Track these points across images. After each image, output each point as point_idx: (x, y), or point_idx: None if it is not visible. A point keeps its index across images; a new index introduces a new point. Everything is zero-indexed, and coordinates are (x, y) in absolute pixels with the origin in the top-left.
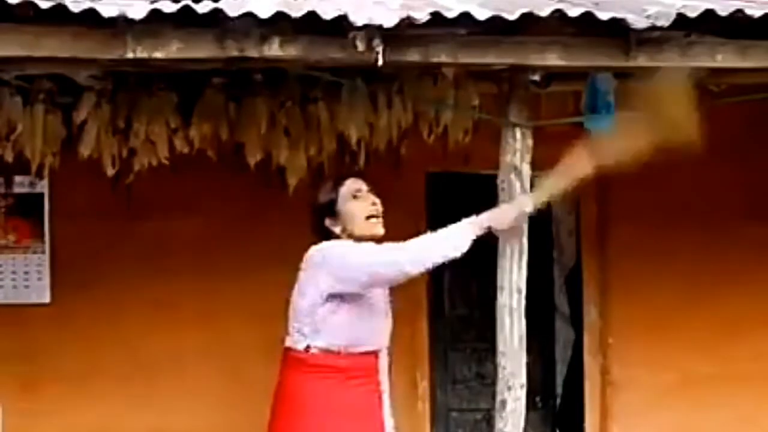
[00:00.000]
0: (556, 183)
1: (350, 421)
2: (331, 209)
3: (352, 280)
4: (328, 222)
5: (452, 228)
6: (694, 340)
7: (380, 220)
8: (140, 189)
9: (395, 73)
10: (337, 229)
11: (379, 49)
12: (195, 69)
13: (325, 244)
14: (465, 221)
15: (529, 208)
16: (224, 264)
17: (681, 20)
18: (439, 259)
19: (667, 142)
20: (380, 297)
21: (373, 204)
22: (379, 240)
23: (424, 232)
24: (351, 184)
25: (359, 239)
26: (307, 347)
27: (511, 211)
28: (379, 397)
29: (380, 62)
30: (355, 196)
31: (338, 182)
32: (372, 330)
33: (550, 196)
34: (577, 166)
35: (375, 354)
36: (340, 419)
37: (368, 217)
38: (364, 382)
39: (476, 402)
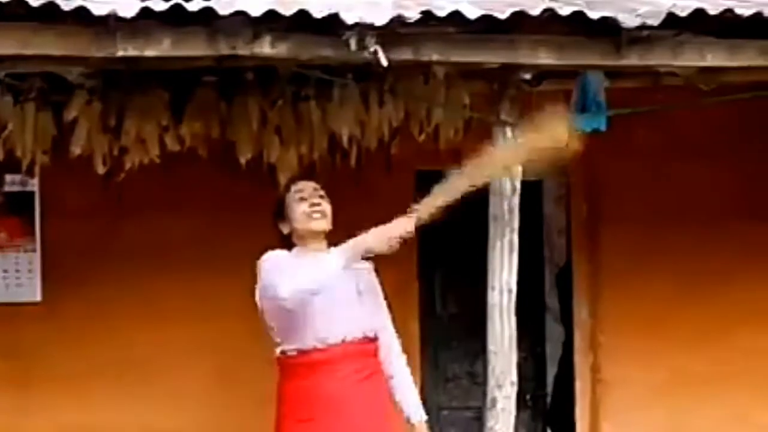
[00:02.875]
0: (457, 186)
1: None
2: (280, 212)
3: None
4: (279, 224)
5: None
6: (685, 338)
7: (322, 216)
8: (131, 187)
9: (386, 72)
10: (285, 230)
11: (375, 48)
12: (186, 67)
13: (264, 256)
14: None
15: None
16: (215, 262)
17: (671, 19)
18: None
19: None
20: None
21: (312, 205)
22: (326, 236)
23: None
24: (298, 187)
25: (302, 236)
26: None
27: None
28: (353, 385)
29: (384, 62)
30: (298, 199)
31: (287, 186)
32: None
33: (443, 202)
34: (484, 168)
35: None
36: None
37: (308, 215)
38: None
39: (467, 400)
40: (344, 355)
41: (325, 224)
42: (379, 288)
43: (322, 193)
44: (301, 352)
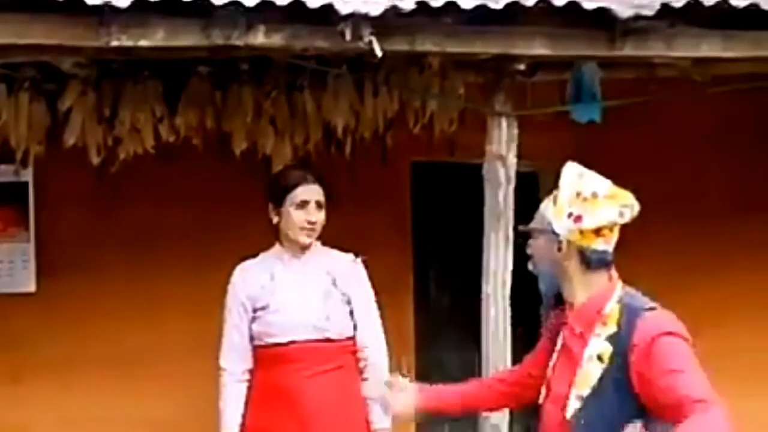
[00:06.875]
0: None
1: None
2: (279, 199)
3: None
4: (271, 207)
5: None
6: None
7: (313, 232)
8: (126, 178)
9: (381, 62)
10: (274, 219)
11: (370, 38)
12: (180, 57)
13: (239, 267)
14: None
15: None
16: (210, 253)
17: (666, 10)
18: None
19: None
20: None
21: (310, 223)
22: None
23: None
24: (302, 194)
25: (291, 242)
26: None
27: None
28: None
29: (378, 52)
30: (297, 205)
31: (295, 183)
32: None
33: None
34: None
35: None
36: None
37: (302, 228)
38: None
39: None
40: (294, 353)
41: (312, 239)
42: (363, 289)
43: (322, 200)
44: (258, 346)
